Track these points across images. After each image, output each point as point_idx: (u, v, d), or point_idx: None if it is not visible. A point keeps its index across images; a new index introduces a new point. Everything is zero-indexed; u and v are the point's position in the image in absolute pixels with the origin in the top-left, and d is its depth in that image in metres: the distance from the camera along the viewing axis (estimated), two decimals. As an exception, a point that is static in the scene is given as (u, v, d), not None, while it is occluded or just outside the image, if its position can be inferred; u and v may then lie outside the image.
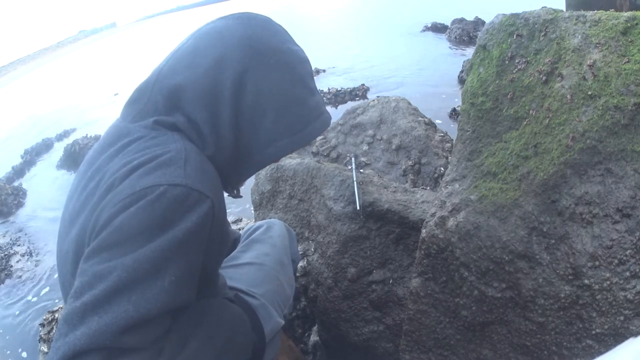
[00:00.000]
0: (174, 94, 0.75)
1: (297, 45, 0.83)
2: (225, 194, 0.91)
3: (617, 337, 0.77)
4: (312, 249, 1.55)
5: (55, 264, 0.82)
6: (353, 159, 1.58)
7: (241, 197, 0.93)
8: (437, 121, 3.68)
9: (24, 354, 2.50)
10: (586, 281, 0.78)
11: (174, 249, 0.61)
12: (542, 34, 0.90)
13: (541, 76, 0.88)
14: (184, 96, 0.74)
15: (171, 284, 0.60)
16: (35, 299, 2.99)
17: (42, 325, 2.03)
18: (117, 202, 0.63)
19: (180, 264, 0.62)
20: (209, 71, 0.74)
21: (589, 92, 0.79)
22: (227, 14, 0.81)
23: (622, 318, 0.76)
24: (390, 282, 1.38)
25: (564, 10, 0.95)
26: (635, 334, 0.74)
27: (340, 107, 5.23)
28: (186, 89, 0.74)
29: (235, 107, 0.75)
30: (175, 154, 0.68)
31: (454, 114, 4.02)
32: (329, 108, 5.13)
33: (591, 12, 0.85)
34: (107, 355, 0.54)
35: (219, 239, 0.76)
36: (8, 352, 2.55)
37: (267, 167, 1.74)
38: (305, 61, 0.83)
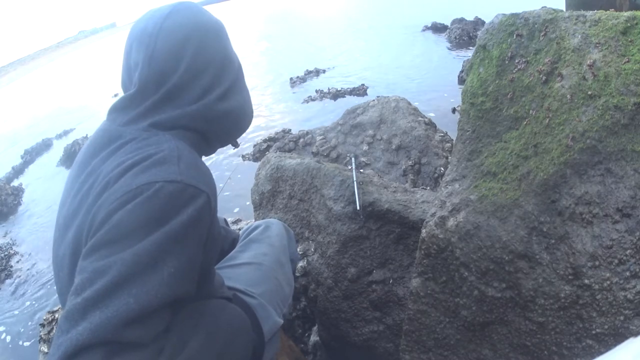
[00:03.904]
0: (165, 95, 0.77)
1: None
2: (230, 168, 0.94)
3: (617, 337, 0.77)
4: (312, 249, 1.55)
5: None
6: (353, 159, 1.58)
7: (238, 146, 1.02)
8: (437, 118, 3.68)
9: (24, 354, 2.50)
10: (586, 281, 0.78)
11: (172, 241, 0.62)
12: (542, 33, 0.90)
13: (541, 76, 0.88)
14: (177, 96, 0.78)
15: (170, 275, 0.61)
16: (35, 299, 3.00)
17: (42, 325, 2.02)
18: (114, 200, 0.64)
19: (178, 256, 0.63)
20: (191, 67, 0.78)
21: (589, 92, 0.79)
22: (159, 10, 0.82)
23: (622, 318, 0.76)
24: (390, 282, 1.38)
25: (564, 10, 0.95)
26: (635, 334, 0.74)
27: (339, 100, 5.22)
28: (174, 89, 0.78)
29: (215, 82, 0.82)
30: (168, 153, 0.70)
31: (454, 113, 4.02)
32: (329, 106, 5.15)
33: (591, 12, 0.85)
34: (109, 351, 0.54)
35: (213, 234, 0.76)
36: (8, 352, 2.55)
37: (268, 167, 1.74)
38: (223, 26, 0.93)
